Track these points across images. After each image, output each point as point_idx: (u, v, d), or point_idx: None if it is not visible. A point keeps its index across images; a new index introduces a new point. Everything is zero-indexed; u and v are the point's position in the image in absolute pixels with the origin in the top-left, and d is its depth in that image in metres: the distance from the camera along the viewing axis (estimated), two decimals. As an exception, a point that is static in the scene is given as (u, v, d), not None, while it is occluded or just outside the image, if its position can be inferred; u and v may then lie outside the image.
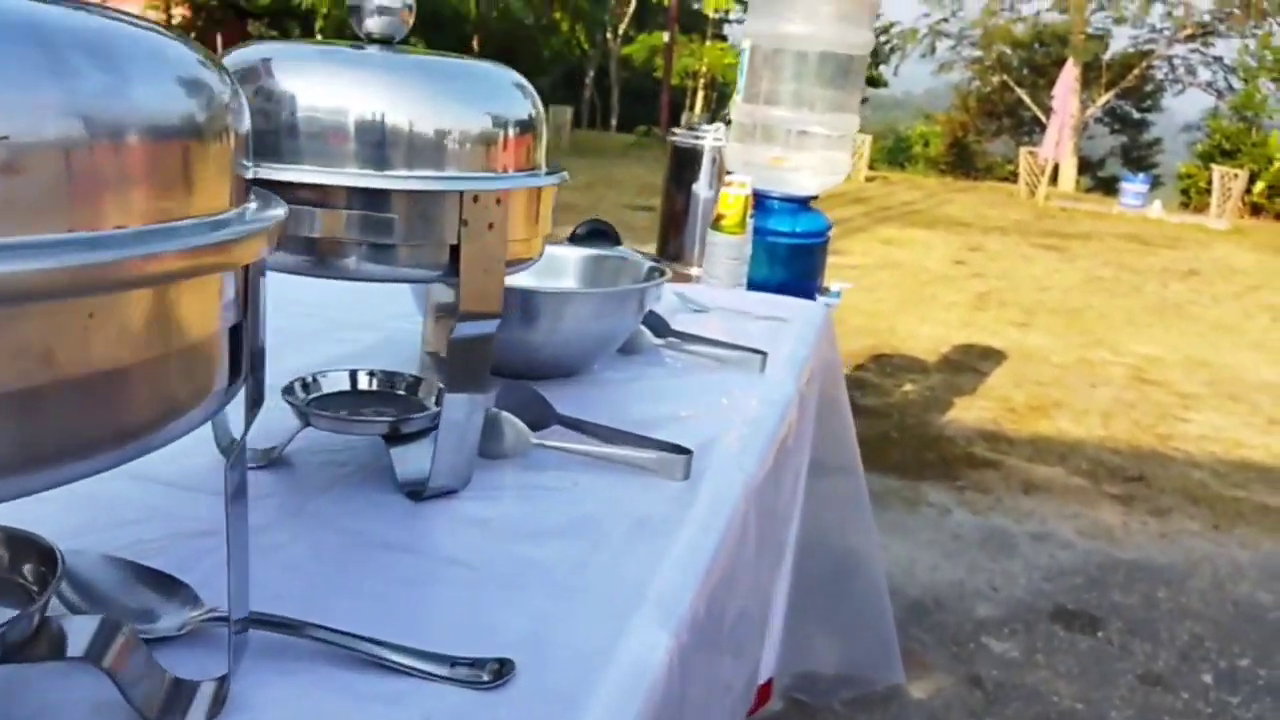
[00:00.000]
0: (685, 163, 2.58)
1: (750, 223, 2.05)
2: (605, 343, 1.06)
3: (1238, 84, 17.84)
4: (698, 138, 2.57)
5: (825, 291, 2.45)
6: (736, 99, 2.34)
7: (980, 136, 25.25)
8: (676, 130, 2.63)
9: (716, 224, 2.01)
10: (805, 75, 2.24)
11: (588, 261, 1.20)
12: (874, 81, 20.85)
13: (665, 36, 19.89)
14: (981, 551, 2.79)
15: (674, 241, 2.60)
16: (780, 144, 2.29)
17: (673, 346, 1.22)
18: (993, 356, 5.17)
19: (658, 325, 1.23)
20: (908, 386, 4.48)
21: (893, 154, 25.59)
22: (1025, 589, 2.60)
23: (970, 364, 4.99)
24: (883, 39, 20.76)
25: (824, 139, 2.33)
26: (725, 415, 1.01)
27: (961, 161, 24.39)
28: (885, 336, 5.37)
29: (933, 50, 19.56)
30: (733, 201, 2.00)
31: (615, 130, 24.23)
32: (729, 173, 2.34)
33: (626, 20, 28.04)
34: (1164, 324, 6.28)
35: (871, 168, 20.10)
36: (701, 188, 2.55)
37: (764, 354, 1.20)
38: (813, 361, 1.43)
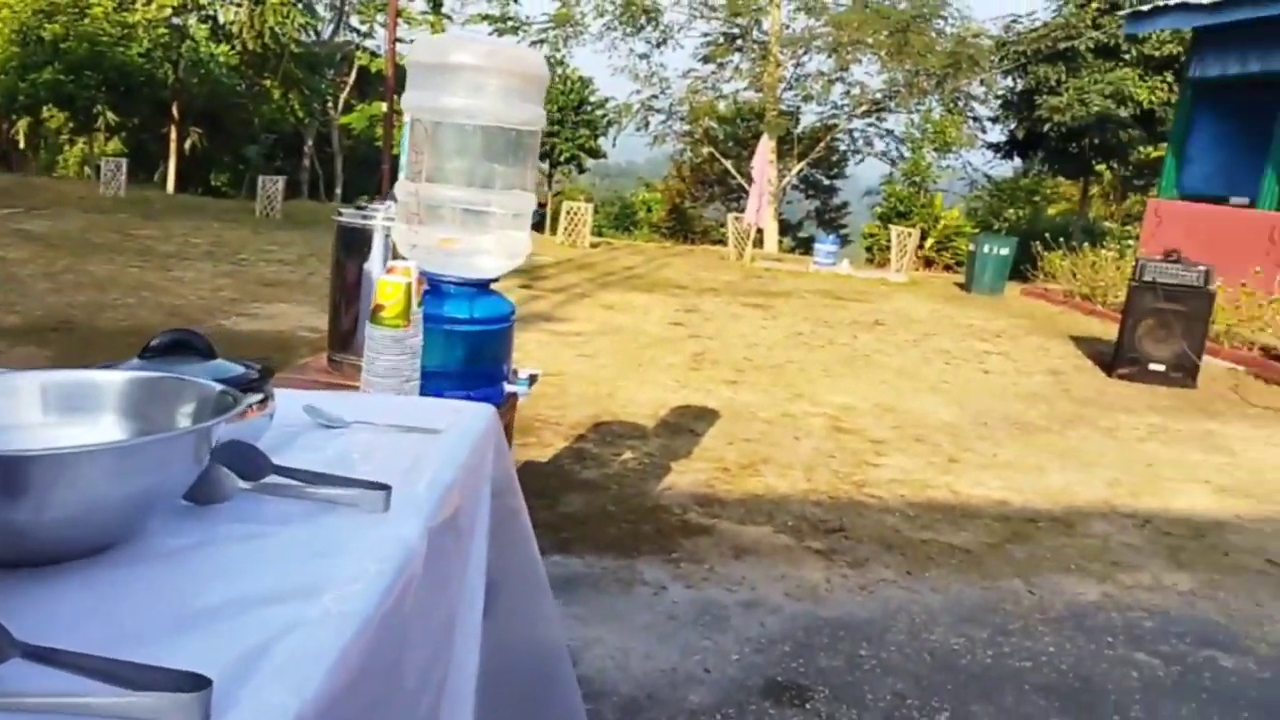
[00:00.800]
0: (353, 245, 2.35)
1: (419, 312, 1.86)
2: (137, 509, 0.82)
3: (907, 153, 20.32)
4: (366, 217, 2.36)
5: (515, 379, 2.31)
6: (401, 177, 2.16)
7: (695, 203, 26.92)
8: (343, 210, 2.40)
9: (375, 316, 1.80)
10: (471, 151, 2.10)
11: (134, 388, 0.94)
12: (594, 152, 21.63)
13: (384, 106, 19.51)
14: (695, 629, 2.74)
15: (342, 333, 2.35)
16: (451, 225, 2.13)
17: (269, 489, 0.99)
18: (707, 416, 5.30)
19: (250, 462, 1.00)
20: (627, 454, 4.45)
21: (619, 220, 26.62)
22: (737, 665, 2.56)
23: (687, 425, 5.08)
24: (600, 113, 21.63)
25: (500, 218, 2.20)
26: (318, 582, 0.81)
27: (681, 226, 25.83)
28: (606, 403, 5.36)
29: (646, 124, 20.65)
30: (392, 290, 1.80)
31: (341, 200, 23.32)
32: (401, 257, 2.14)
33: (348, 89, 27.27)
34: (855, 373, 6.80)
35: (600, 234, 20.79)
36: (374, 271, 2.33)
37: (387, 489, 1.00)
38: (469, 482, 1.25)
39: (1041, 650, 2.80)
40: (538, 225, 17.65)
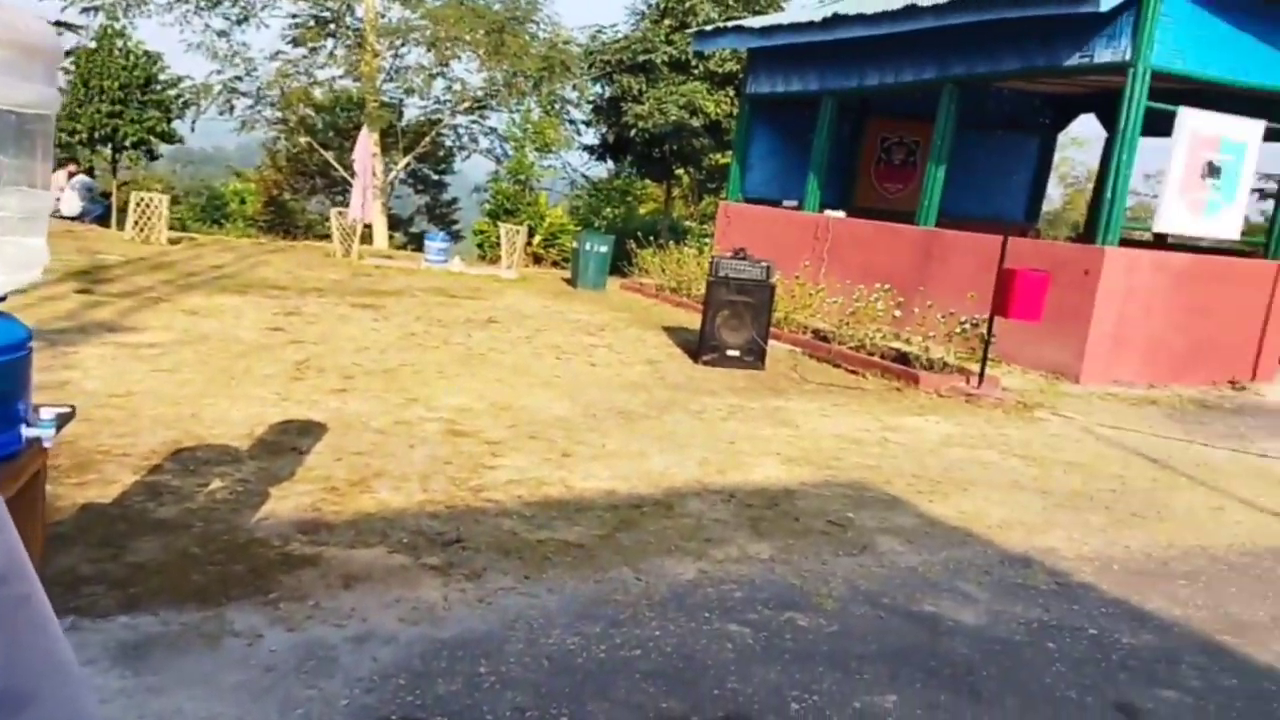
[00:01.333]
0: None
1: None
2: None
3: (511, 151, 20.77)
4: None
5: (36, 420, 1.88)
6: None
7: (296, 195, 25.19)
8: None
9: None
10: (-48, 140, 1.66)
11: None
12: (167, 137, 19.25)
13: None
14: (297, 679, 2.47)
15: None
16: (-71, 231, 1.67)
17: None
18: (313, 431, 4.91)
19: None
20: (215, 484, 3.95)
21: (207, 212, 24.07)
22: (346, 712, 2.35)
23: (289, 443, 4.66)
24: (173, 93, 19.32)
25: (4, 223, 1.76)
26: None
27: (281, 220, 24.00)
28: (189, 425, 4.74)
29: (231, 108, 18.84)
30: None
31: None
32: None
33: None
34: (471, 373, 6.76)
35: (184, 228, 18.56)
36: None
37: None
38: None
39: (649, 636, 2.93)
40: (102, 219, 15.32)
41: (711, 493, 4.55)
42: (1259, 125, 8.35)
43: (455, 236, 22.21)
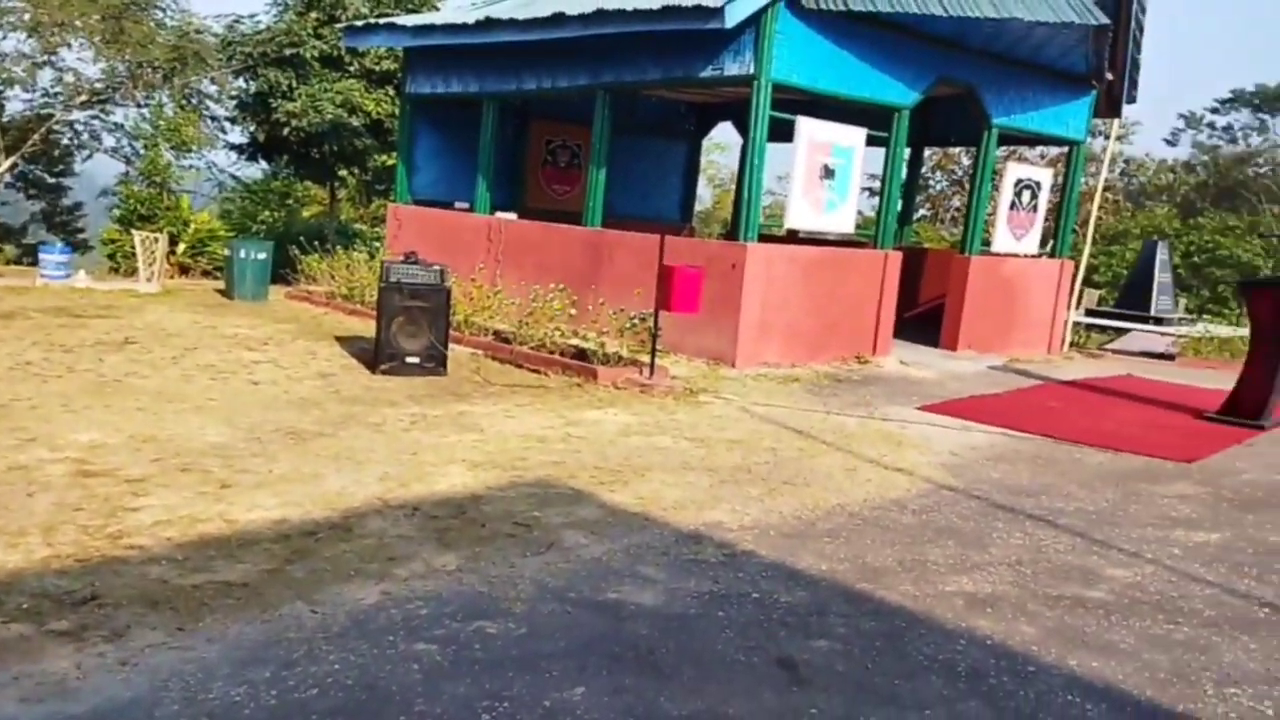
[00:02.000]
0: None
1: None
2: None
3: (143, 150, 18.54)
4: None
5: None
6: None
7: None
8: None
9: None
10: None
11: None
12: None
13: None
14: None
15: None
16: None
17: None
18: (-110, 491, 4.05)
19: None
20: None
21: None
22: (-54, 829, 1.95)
23: None
24: None
25: None
26: None
27: None
28: None
29: None
30: None
31: None
32: None
33: None
34: (104, 403, 5.95)
35: None
36: None
37: None
38: None
39: (327, 672, 2.75)
40: None
41: (394, 508, 4.38)
42: (861, 133, 9.63)
43: (81, 247, 19.47)
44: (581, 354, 8.37)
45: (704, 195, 31.61)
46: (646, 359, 8.05)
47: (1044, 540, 4.68)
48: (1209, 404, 8.68)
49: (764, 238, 9.77)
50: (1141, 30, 11.44)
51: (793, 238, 11.31)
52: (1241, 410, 8.29)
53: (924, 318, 12.91)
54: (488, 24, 10.22)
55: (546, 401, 7.09)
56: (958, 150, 25.44)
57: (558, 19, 9.41)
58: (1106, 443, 7.11)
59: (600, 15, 9.04)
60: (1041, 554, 4.45)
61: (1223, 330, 15.19)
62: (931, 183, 28.15)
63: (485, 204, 11.99)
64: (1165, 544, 4.75)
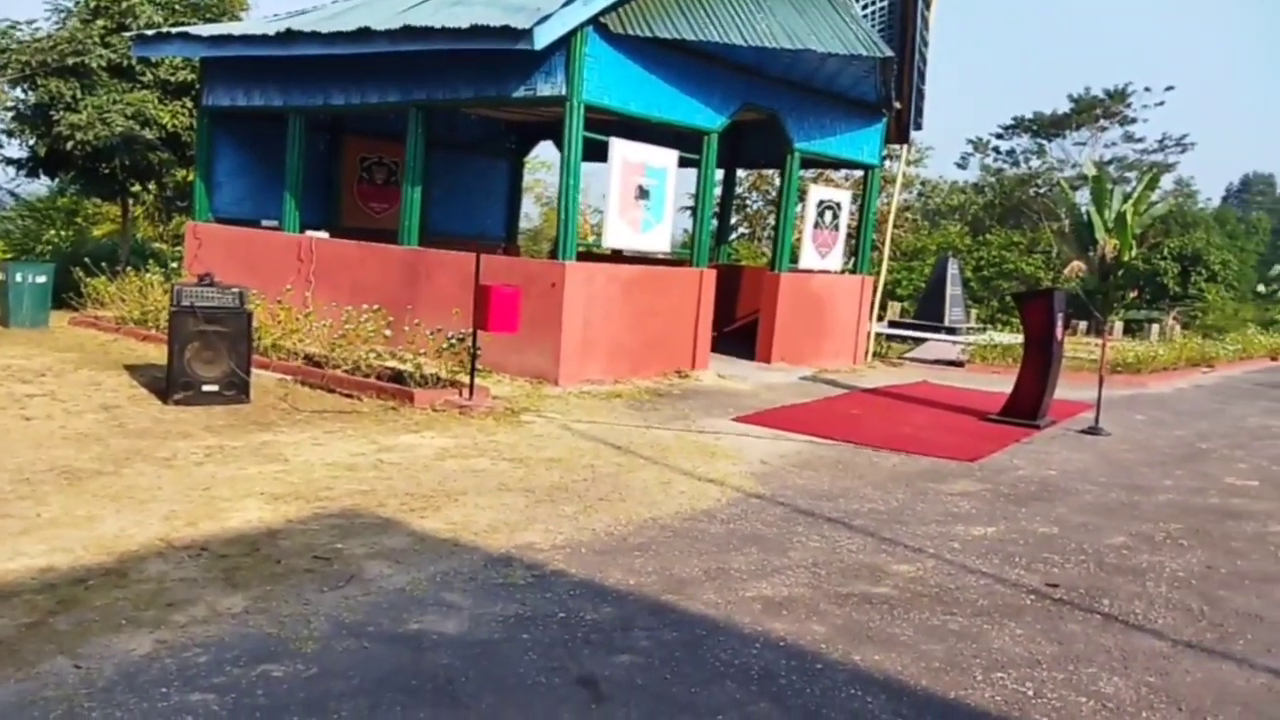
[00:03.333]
0: None
1: None
2: None
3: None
4: None
5: None
6: None
7: None
8: None
9: None
10: None
11: None
12: None
13: None
14: None
15: None
16: None
17: None
18: None
19: None
20: None
21: None
22: None
23: None
24: None
25: None
26: None
27: None
28: None
29: None
30: None
31: None
32: None
33: None
34: None
35: None
36: None
37: None
38: None
39: (87, 733, 2.53)
40: None
41: (179, 550, 4.09)
42: (673, 154, 9.91)
43: None
44: (398, 376, 8.14)
45: (533, 214, 31.61)
46: (466, 380, 7.93)
47: (839, 541, 4.94)
48: (992, 406, 9.46)
49: (595, 257, 9.87)
50: (925, 63, 12.40)
51: (616, 256, 11.49)
52: (1019, 411, 9.09)
53: (741, 332, 13.41)
54: (289, 36, 9.82)
55: (359, 427, 6.85)
56: (772, 171, 26.69)
57: (364, 34, 9.17)
58: (901, 446, 7.61)
59: (408, 32, 8.88)
60: (836, 555, 4.70)
61: (1006, 338, 16.59)
62: (749, 202, 29.33)
63: (294, 222, 11.49)
64: (946, 539, 5.13)
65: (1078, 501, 6.20)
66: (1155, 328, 27.29)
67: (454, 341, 8.70)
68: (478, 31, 8.48)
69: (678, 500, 5.56)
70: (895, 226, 32.93)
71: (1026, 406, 9.06)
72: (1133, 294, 29.19)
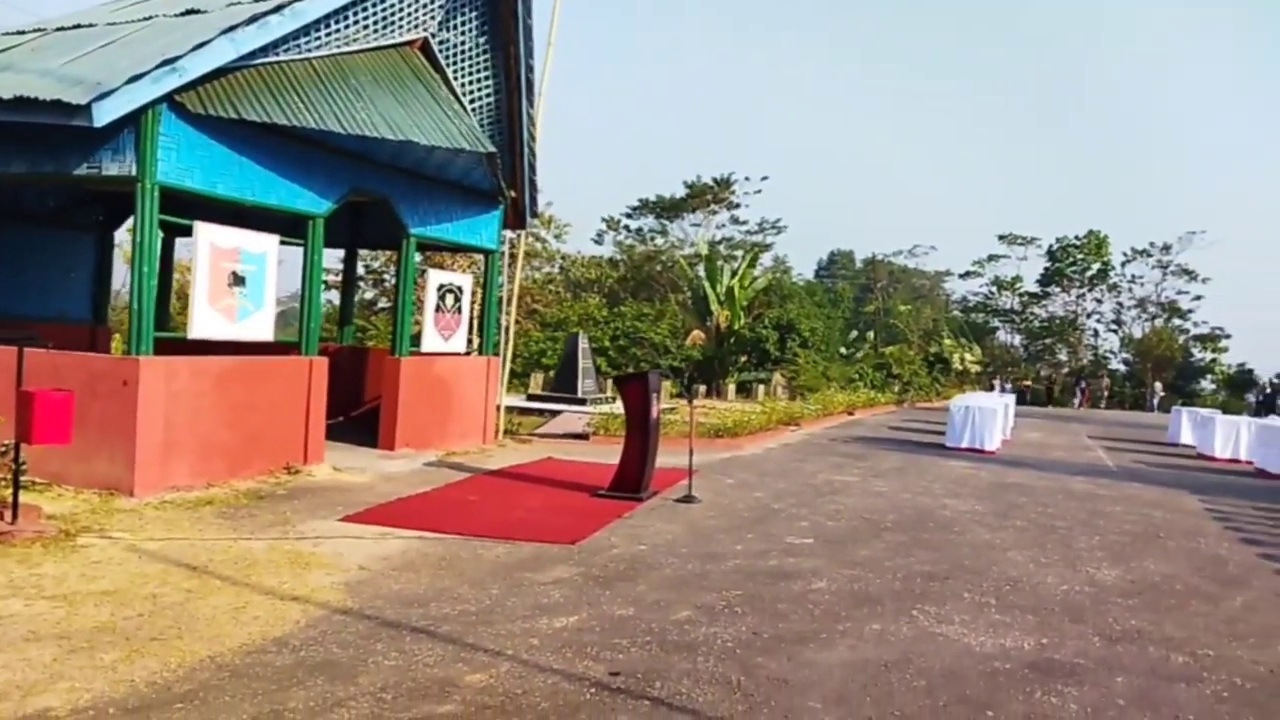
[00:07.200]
0: None
1: None
2: None
3: None
4: None
5: None
6: None
7: None
8: None
9: None
10: None
11: None
12: None
13: None
14: None
15: None
16: None
17: None
18: None
19: None
20: None
21: None
22: None
23: None
24: None
25: None
26: None
27: None
28: None
29: None
30: None
31: None
32: None
33: None
34: None
35: None
36: None
37: None
38: None
39: None
40: None
41: None
42: (273, 239, 9.41)
43: None
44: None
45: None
46: (9, 498, 6.79)
47: (418, 655, 4.82)
48: (605, 480, 9.95)
49: (185, 348, 8.95)
50: (535, 156, 13.05)
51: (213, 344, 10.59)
52: (624, 485, 9.65)
53: (368, 416, 12.97)
54: None
55: None
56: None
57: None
58: (509, 534, 7.71)
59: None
60: (410, 673, 4.57)
61: (628, 408, 17.78)
62: (387, 278, 28.83)
63: None
64: (528, 635, 5.21)
65: (658, 577, 6.64)
66: (762, 388, 30.72)
67: (-1, 453, 7.43)
68: (24, 104, 7.51)
69: (248, 629, 5.11)
70: (536, 301, 34.19)
71: (630, 480, 9.64)
72: (743, 358, 32.71)
